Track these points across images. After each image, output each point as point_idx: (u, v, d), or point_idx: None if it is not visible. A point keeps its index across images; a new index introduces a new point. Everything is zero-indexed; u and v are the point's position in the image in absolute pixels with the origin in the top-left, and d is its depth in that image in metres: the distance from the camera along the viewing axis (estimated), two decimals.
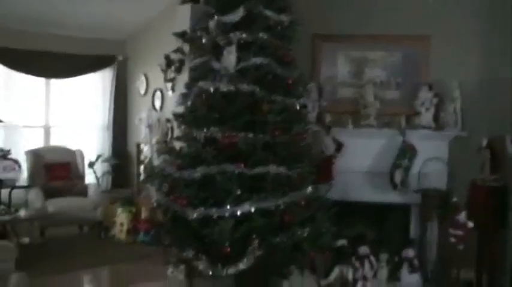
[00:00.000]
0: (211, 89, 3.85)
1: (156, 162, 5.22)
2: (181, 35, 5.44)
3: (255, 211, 3.65)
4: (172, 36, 5.57)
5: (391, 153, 5.06)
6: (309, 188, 4.04)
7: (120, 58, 7.55)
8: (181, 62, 5.86)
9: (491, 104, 4.90)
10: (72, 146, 7.03)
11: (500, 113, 4.78)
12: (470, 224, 4.22)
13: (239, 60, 3.89)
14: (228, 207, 3.63)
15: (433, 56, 5.22)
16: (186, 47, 5.56)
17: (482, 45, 5.08)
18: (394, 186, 5.04)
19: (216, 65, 3.96)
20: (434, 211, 5.04)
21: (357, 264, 4.76)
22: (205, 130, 3.86)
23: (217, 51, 4.02)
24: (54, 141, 7.21)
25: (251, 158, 3.77)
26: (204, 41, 4.19)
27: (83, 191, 6.60)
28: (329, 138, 5.08)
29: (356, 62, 5.41)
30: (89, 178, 7.02)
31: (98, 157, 7.23)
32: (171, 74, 6.14)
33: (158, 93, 6.71)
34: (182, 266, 4.03)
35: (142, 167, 6.64)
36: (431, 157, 5.06)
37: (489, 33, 5.03)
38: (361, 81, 5.35)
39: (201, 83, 3.93)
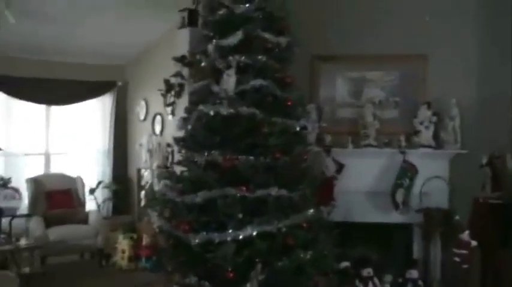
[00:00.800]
0: (212, 113, 3.83)
1: (157, 187, 5.18)
2: (181, 59, 5.44)
3: (257, 234, 3.60)
4: (171, 61, 5.57)
5: (392, 172, 5.04)
6: (311, 210, 4.00)
7: (120, 84, 7.54)
8: (181, 86, 5.84)
9: (491, 121, 4.89)
10: (73, 173, 6.98)
11: (500, 130, 4.76)
12: (474, 243, 4.16)
13: (238, 83, 3.88)
14: (230, 231, 3.58)
15: (430, 74, 5.22)
16: (186, 71, 5.55)
17: (480, 64, 5.08)
18: (396, 206, 5.00)
19: (215, 88, 3.95)
20: (437, 230, 4.99)
21: (361, 286, 4.69)
22: (206, 154, 3.83)
23: (216, 74, 4.01)
24: (55, 169, 7.15)
25: (252, 181, 3.74)
26: (203, 64, 4.19)
27: (83, 218, 6.53)
28: (329, 159, 5.07)
29: (354, 82, 5.42)
30: (90, 205, 6.96)
31: (99, 183, 7.17)
32: (170, 99, 6.12)
33: (158, 118, 6.69)
34: None
35: (143, 193, 6.59)
36: (432, 176, 5.03)
37: (487, 51, 5.04)
38: (360, 101, 5.36)
39: (201, 107, 3.91)
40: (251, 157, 3.77)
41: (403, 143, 5.10)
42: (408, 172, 5.00)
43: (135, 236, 6.25)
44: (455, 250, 4.21)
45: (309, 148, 4.50)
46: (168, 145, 6.20)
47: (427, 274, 5.11)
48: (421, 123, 5.11)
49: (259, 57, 3.95)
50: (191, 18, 5.44)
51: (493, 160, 4.61)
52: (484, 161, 4.62)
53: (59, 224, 6.17)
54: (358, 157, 5.19)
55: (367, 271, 4.79)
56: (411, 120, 5.16)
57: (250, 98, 3.86)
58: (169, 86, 6.04)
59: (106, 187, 7.27)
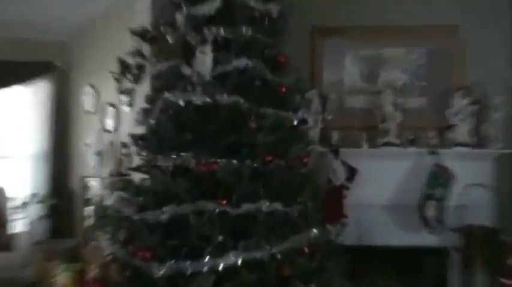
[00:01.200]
0: (181, 102, 3.82)
1: (109, 201, 5.17)
2: (141, 33, 5.44)
3: (243, 262, 3.59)
4: (128, 35, 5.56)
5: (419, 179, 5.08)
6: (314, 230, 4.01)
7: (60, 65, 7.51)
8: (141, 68, 5.84)
9: None
10: None
11: None
12: None
13: (216, 63, 3.87)
14: (207, 259, 3.57)
15: (467, 52, 5.26)
16: (147, 49, 5.55)
17: None
18: (426, 223, 5.04)
19: (186, 70, 3.94)
20: (480, 254, 5.04)
21: None
22: (174, 156, 3.82)
23: (187, 52, 3.99)
24: None
25: (236, 192, 3.73)
26: (170, 40, 4.17)
27: (6, 243, 6.47)
28: (338, 163, 5.09)
29: (368, 62, 5.48)
30: (17, 226, 6.91)
31: (31, 196, 7.13)
32: (127, 84, 6.12)
33: (110, 110, 6.67)
34: None
35: (90, 209, 6.57)
36: (473, 183, 5.08)
37: None
38: (376, 86, 5.41)
39: (167, 95, 3.90)
40: (234, 161, 3.76)
41: (434, 141, 5.15)
42: (441, 178, 5.05)
43: (78, 266, 6.22)
44: (503, 280, 4.25)
45: (311, 147, 4.50)
46: (124, 145, 6.19)
47: None
48: (456, 114, 5.17)
49: (243, 29, 3.95)
50: None
51: None
52: None
53: None
54: (375, 159, 5.24)
55: None
56: (443, 111, 5.21)
57: (231, 82, 3.86)
58: (125, 68, 6.03)
59: (40, 201, 7.23)
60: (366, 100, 5.44)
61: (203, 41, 3.91)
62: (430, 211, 5.03)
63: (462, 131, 5.16)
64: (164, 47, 4.31)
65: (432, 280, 5.43)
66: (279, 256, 3.71)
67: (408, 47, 5.44)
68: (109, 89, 6.49)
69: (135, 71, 5.93)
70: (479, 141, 5.18)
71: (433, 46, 5.38)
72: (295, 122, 4.13)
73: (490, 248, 4.91)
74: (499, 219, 5.14)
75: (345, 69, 5.50)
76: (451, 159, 5.10)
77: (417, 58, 5.44)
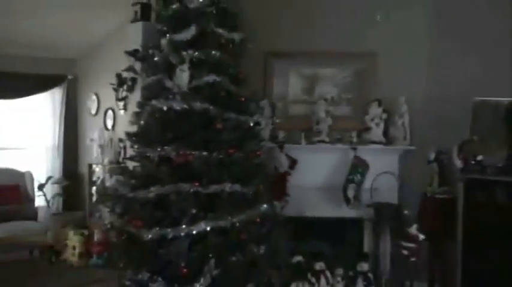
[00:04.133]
0: (165, 108, 3.80)
1: (109, 183, 5.10)
2: (133, 54, 5.38)
3: (211, 229, 3.60)
4: (124, 55, 5.49)
5: (343, 168, 5.11)
6: (264, 205, 4.03)
7: (70, 77, 7.38)
8: (133, 81, 5.78)
9: (438, 119, 5.02)
10: (21, 168, 6.79)
11: (447, 128, 4.90)
12: (422, 237, 4.28)
13: (192, 78, 3.86)
14: (184, 227, 3.57)
15: (381, 72, 5.32)
16: (138, 66, 5.49)
17: (429, 63, 5.21)
18: (348, 201, 5.08)
19: (168, 83, 3.91)
20: (387, 224, 5.11)
21: (313, 280, 4.76)
22: (159, 149, 3.79)
23: (169, 69, 3.97)
24: (3, 164, 6.95)
25: (206, 176, 3.73)
26: (156, 59, 4.14)
27: (32, 214, 6.39)
28: (282, 155, 5.09)
29: (307, 79, 5.46)
30: (39, 201, 6.79)
31: (48, 178, 7.00)
32: (123, 93, 6.05)
33: (110, 113, 6.58)
34: None
35: (94, 189, 6.48)
36: (383, 172, 5.14)
37: (435, 51, 5.16)
38: (313, 98, 5.40)
39: (153, 102, 3.87)
40: (204, 153, 3.76)
41: (355, 139, 5.19)
42: (359, 167, 5.09)
43: (86, 232, 6.16)
44: (404, 244, 4.31)
45: (263, 143, 4.50)
46: (120, 140, 6.12)
47: (377, 267, 5.23)
48: (372, 120, 5.21)
49: (213, 52, 3.94)
50: (144, 12, 5.39)
51: (440, 156, 4.74)
52: (432, 157, 4.75)
53: (7, 221, 6.02)
54: (311, 152, 5.25)
55: (320, 265, 4.87)
56: (363, 117, 5.26)
57: (203, 93, 3.85)
58: (121, 81, 5.97)
59: (56, 182, 7.11)
60: (304, 108, 5.41)
61: (182, 61, 3.89)
62: (351, 192, 5.07)
63: (376, 132, 5.20)
64: (152, 65, 4.27)
65: (352, 244, 5.46)
66: (238, 225, 3.74)
67: (338, 68, 5.42)
68: (109, 97, 6.41)
69: (129, 83, 5.87)
70: (388, 140, 5.24)
71: (357, 67, 5.37)
72: (251, 124, 4.13)
73: (394, 219, 4.98)
74: (401, 198, 5.21)
75: (289, 84, 5.48)
76: (367, 153, 5.13)
77: (345, 76, 5.41)
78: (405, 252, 4.29)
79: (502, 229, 4.12)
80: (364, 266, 4.94)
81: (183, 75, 3.83)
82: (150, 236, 3.59)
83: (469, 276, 4.33)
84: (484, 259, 4.23)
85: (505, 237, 4.09)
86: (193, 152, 3.73)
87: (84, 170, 7.10)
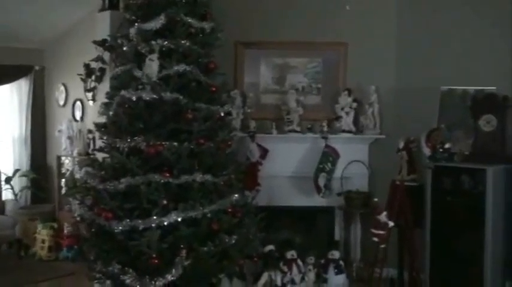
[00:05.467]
0: (134, 98, 3.75)
1: (78, 175, 5.03)
2: (102, 43, 5.30)
3: (182, 220, 3.59)
4: (92, 45, 5.41)
5: (315, 157, 5.16)
6: (236, 195, 4.03)
7: (38, 68, 7.23)
8: (102, 71, 5.69)
9: (407, 108, 5.08)
10: None
11: (415, 116, 4.97)
12: (391, 224, 4.34)
13: (161, 68, 3.82)
14: (155, 218, 3.55)
15: (351, 62, 5.36)
16: (107, 56, 5.41)
17: (398, 52, 5.26)
18: (318, 190, 5.13)
19: (138, 73, 3.86)
20: (357, 212, 5.18)
21: (285, 268, 4.79)
22: (128, 140, 3.75)
23: (139, 59, 3.92)
24: None
25: (177, 167, 3.72)
26: (125, 48, 4.09)
27: (0, 208, 6.27)
28: (254, 145, 5.11)
29: (278, 68, 5.47)
30: (6, 194, 6.67)
31: (16, 171, 6.87)
32: (91, 84, 5.95)
33: (78, 104, 6.48)
34: (108, 282, 3.88)
35: (63, 181, 6.39)
36: (353, 160, 5.20)
37: (404, 41, 5.21)
38: (284, 87, 5.42)
39: (123, 92, 3.82)
40: (175, 143, 3.74)
41: (325, 129, 5.23)
42: (330, 156, 5.14)
43: (55, 225, 6.08)
44: (374, 231, 4.37)
45: (234, 133, 4.50)
46: (89, 131, 6.04)
47: (347, 254, 5.31)
48: (342, 109, 5.26)
49: (183, 42, 3.91)
50: (112, 1, 5.31)
51: (409, 145, 4.81)
52: (401, 145, 4.81)
53: None
54: (282, 142, 5.27)
55: (291, 254, 4.89)
56: (333, 106, 5.30)
57: (173, 83, 3.82)
58: (89, 71, 5.88)
59: (24, 175, 6.98)
60: (275, 98, 5.43)
61: (151, 50, 3.85)
62: (322, 181, 5.11)
63: (346, 121, 5.25)
64: (120, 55, 4.22)
65: (323, 232, 5.53)
66: (209, 215, 3.74)
67: (308, 57, 5.44)
68: (77, 87, 6.30)
69: (97, 73, 5.78)
70: (358, 129, 5.30)
71: (327, 57, 5.41)
72: (222, 114, 4.12)
73: (364, 207, 5.05)
74: (371, 186, 5.28)
75: (260, 74, 5.49)
76: (337, 142, 5.19)
77: (315, 66, 5.44)
78: (375, 239, 4.34)
79: (468, 214, 4.22)
80: (335, 254, 4.99)
81: (152, 65, 3.79)
82: (120, 227, 3.56)
83: (436, 261, 4.43)
84: (451, 245, 4.32)
85: (471, 223, 4.18)
86: (163, 143, 3.71)
87: (52, 162, 6.98)
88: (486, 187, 4.10)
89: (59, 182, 6.58)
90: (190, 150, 3.78)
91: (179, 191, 3.70)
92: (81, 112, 6.43)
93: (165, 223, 3.55)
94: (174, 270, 3.49)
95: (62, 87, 6.85)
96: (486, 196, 4.09)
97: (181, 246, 3.54)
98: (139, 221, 3.56)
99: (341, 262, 4.99)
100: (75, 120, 6.46)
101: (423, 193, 4.60)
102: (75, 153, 6.19)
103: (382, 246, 4.33)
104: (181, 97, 3.78)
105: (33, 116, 7.23)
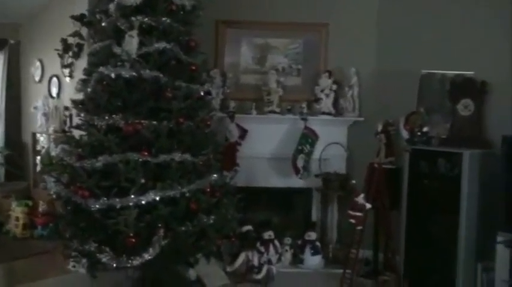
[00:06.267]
0: (113, 75, 3.68)
1: (54, 152, 4.96)
2: (80, 18, 5.20)
3: (160, 199, 3.56)
4: (70, 20, 5.30)
5: (294, 139, 5.17)
6: (214, 175, 4.02)
7: (13, 42, 7.07)
8: (80, 47, 5.59)
9: (387, 91, 5.11)
10: None
11: (394, 99, 5.00)
12: (368, 206, 4.39)
13: (141, 45, 3.76)
14: (132, 196, 3.51)
15: (332, 43, 5.36)
16: (85, 31, 5.31)
17: (378, 35, 5.27)
18: (297, 171, 5.14)
19: (117, 49, 3.79)
20: (335, 194, 5.22)
21: (262, 249, 4.83)
22: (106, 118, 3.70)
23: (118, 35, 3.84)
24: None
25: (155, 146, 3.68)
26: (104, 24, 4.00)
27: None
28: (233, 125, 5.10)
29: (259, 48, 5.45)
30: None
31: None
32: (68, 60, 5.84)
33: (55, 80, 6.36)
34: (84, 260, 3.84)
35: (38, 158, 6.30)
36: (332, 142, 5.23)
37: (386, 23, 5.22)
38: (264, 68, 5.41)
39: (101, 69, 3.74)
40: (154, 122, 3.70)
41: (305, 110, 5.23)
42: (309, 138, 5.15)
43: (30, 203, 6.00)
44: (351, 212, 4.40)
45: (213, 113, 4.47)
46: (66, 108, 5.94)
47: (324, 236, 5.36)
48: (322, 91, 5.27)
49: (163, 19, 3.84)
50: None
51: (387, 128, 4.84)
52: (379, 128, 4.84)
53: None
54: (262, 123, 5.27)
55: (268, 234, 4.94)
56: (313, 88, 5.30)
57: (153, 61, 3.76)
58: (67, 46, 5.76)
59: None
60: (256, 78, 5.42)
61: (131, 27, 3.77)
62: (300, 162, 5.13)
63: (326, 103, 5.26)
64: (99, 30, 4.13)
65: (300, 213, 5.58)
66: (187, 195, 3.71)
67: (289, 38, 5.43)
68: (54, 63, 6.18)
69: (75, 49, 5.67)
70: (337, 111, 5.31)
71: (308, 38, 5.40)
72: (202, 93, 4.08)
73: (342, 189, 5.09)
74: (349, 168, 5.32)
75: (241, 53, 5.46)
76: (317, 124, 5.20)
77: (296, 47, 5.44)
78: (352, 221, 4.38)
79: (444, 197, 4.27)
80: (312, 235, 5.05)
81: (132, 42, 3.72)
82: (97, 206, 3.52)
83: (411, 243, 4.49)
84: (427, 227, 4.38)
85: (447, 205, 4.24)
86: (142, 121, 3.66)
87: (27, 139, 6.87)
88: (462, 170, 4.15)
89: (34, 159, 6.49)
90: (169, 129, 3.74)
91: (157, 170, 3.67)
92: (57, 89, 6.31)
93: (143, 202, 3.52)
94: (151, 249, 3.47)
95: (38, 63, 6.72)
96: (462, 179, 4.14)
97: (159, 225, 3.51)
98: (117, 200, 3.51)
99: (317, 243, 5.06)
100: (51, 96, 6.34)
101: (400, 175, 4.65)
102: (51, 130, 6.09)
103: (359, 228, 4.37)
104: (161, 75, 3.73)
105: (8, 91, 7.10)
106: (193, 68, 4.03)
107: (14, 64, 7.18)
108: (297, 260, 5.06)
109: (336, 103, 5.30)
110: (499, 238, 3.96)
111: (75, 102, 4.07)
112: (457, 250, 4.15)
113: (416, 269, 4.44)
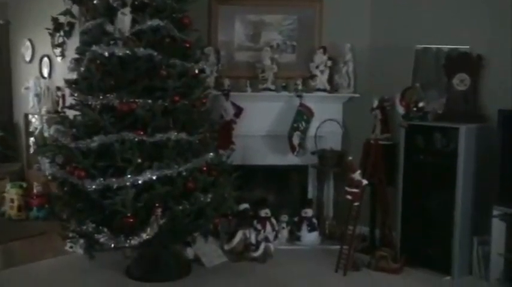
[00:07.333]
0: (106, 54, 3.65)
1: (48, 133, 4.93)
2: None
3: (157, 179, 3.57)
4: None
5: (289, 116, 5.14)
6: (211, 154, 4.01)
7: (1, 22, 6.96)
8: (71, 26, 5.51)
9: (382, 66, 5.08)
10: None
11: (390, 75, 4.98)
12: (365, 182, 4.39)
13: (134, 22, 3.72)
14: (129, 176, 3.51)
15: (326, 20, 5.31)
16: (76, 9, 5.24)
17: (373, 12, 5.22)
18: (293, 148, 5.13)
19: (109, 27, 3.75)
20: (331, 170, 5.23)
21: (259, 226, 4.85)
22: (101, 97, 3.67)
23: (110, 13, 3.80)
24: None
25: (151, 125, 3.67)
26: (95, 2, 3.95)
27: None
28: (228, 103, 5.06)
29: (253, 25, 5.38)
30: None
31: None
32: (59, 39, 5.76)
33: (46, 60, 6.28)
34: (82, 241, 3.85)
35: (32, 139, 6.26)
36: (327, 119, 5.21)
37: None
38: (258, 45, 5.35)
39: (94, 47, 3.71)
40: (149, 100, 3.68)
41: (300, 87, 5.20)
42: (304, 115, 5.13)
43: (24, 184, 5.98)
44: (347, 189, 4.41)
45: (208, 91, 4.45)
46: (58, 89, 5.89)
47: (320, 212, 5.38)
48: (317, 67, 5.22)
49: None
50: None
51: (383, 104, 4.83)
52: (375, 104, 4.83)
53: None
54: (257, 100, 5.23)
55: (265, 212, 4.96)
56: (308, 64, 5.26)
57: (147, 38, 3.73)
58: (57, 25, 5.68)
59: None
60: (250, 55, 5.36)
61: (123, 4, 3.74)
62: (296, 139, 5.11)
63: (321, 79, 5.22)
64: (91, 8, 4.07)
65: (296, 190, 5.59)
66: (184, 174, 3.71)
67: (283, 15, 5.36)
68: (44, 43, 6.10)
69: (66, 28, 5.60)
70: (333, 87, 5.29)
71: (302, 14, 5.34)
72: (197, 71, 4.04)
73: (338, 165, 5.09)
74: (345, 145, 5.32)
75: (235, 30, 5.39)
76: (312, 101, 5.17)
77: (290, 23, 5.38)
78: (348, 197, 4.39)
79: (440, 173, 4.29)
80: (309, 212, 5.07)
81: (125, 19, 3.68)
82: (94, 186, 3.52)
83: (408, 219, 4.52)
84: (423, 202, 4.41)
85: (443, 181, 4.26)
86: (137, 100, 3.64)
87: (19, 120, 6.82)
88: (458, 145, 4.16)
89: (27, 140, 6.46)
90: (164, 108, 3.73)
91: (154, 150, 3.66)
92: (49, 69, 6.25)
93: (140, 182, 3.52)
94: (149, 229, 3.49)
95: (28, 43, 6.62)
96: (458, 154, 4.15)
97: (157, 205, 3.53)
98: (114, 180, 3.52)
99: (314, 220, 5.07)
100: (43, 77, 6.27)
101: (396, 151, 4.65)
102: (43, 111, 6.04)
103: (356, 204, 4.38)
104: (155, 53, 3.70)
105: None
106: (188, 45, 4.00)
107: (3, 44, 7.08)
108: (293, 237, 5.08)
109: (331, 80, 5.26)
110: (495, 212, 4.00)
111: (68, 82, 4.03)
112: (453, 225, 4.18)
113: (412, 244, 4.47)
